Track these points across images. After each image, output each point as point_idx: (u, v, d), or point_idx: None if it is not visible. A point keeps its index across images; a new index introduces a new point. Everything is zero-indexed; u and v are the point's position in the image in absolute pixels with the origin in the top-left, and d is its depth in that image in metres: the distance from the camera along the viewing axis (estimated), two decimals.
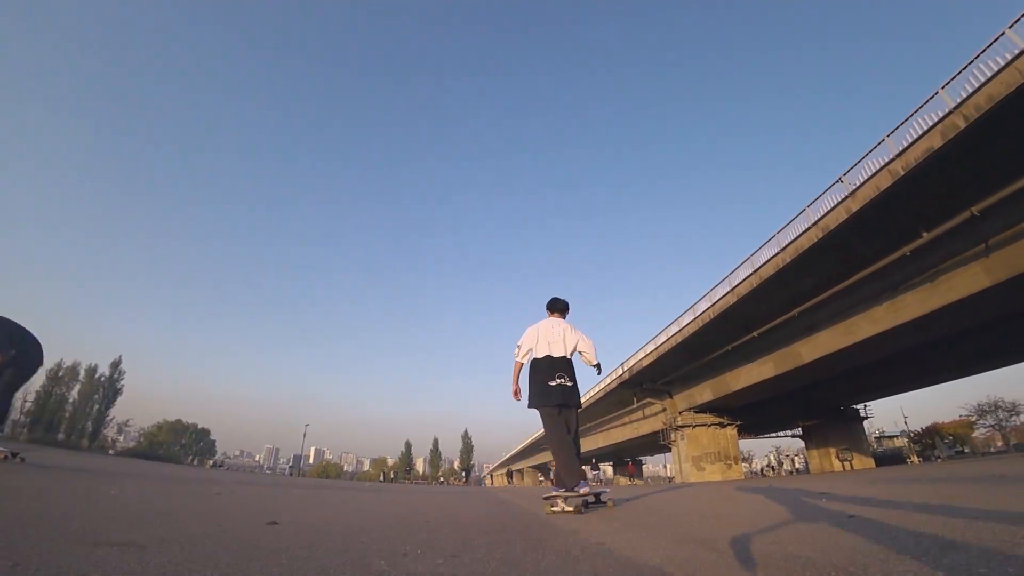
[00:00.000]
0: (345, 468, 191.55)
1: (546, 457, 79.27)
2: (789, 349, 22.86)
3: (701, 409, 33.00)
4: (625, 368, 34.04)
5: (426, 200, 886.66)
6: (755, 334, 23.13)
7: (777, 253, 18.40)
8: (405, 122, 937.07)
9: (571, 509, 4.10)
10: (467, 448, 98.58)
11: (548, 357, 4.65)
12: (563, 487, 4.31)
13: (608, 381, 38.15)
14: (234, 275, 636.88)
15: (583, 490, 4.21)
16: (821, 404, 38.09)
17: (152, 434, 74.17)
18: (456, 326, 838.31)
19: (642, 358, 30.92)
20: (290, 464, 70.70)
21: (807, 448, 40.53)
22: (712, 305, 22.94)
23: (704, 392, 30.62)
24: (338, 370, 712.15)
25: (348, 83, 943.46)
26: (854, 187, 15.01)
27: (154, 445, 72.32)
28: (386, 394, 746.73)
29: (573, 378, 4.66)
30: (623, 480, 75.00)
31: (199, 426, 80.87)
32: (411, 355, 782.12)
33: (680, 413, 34.20)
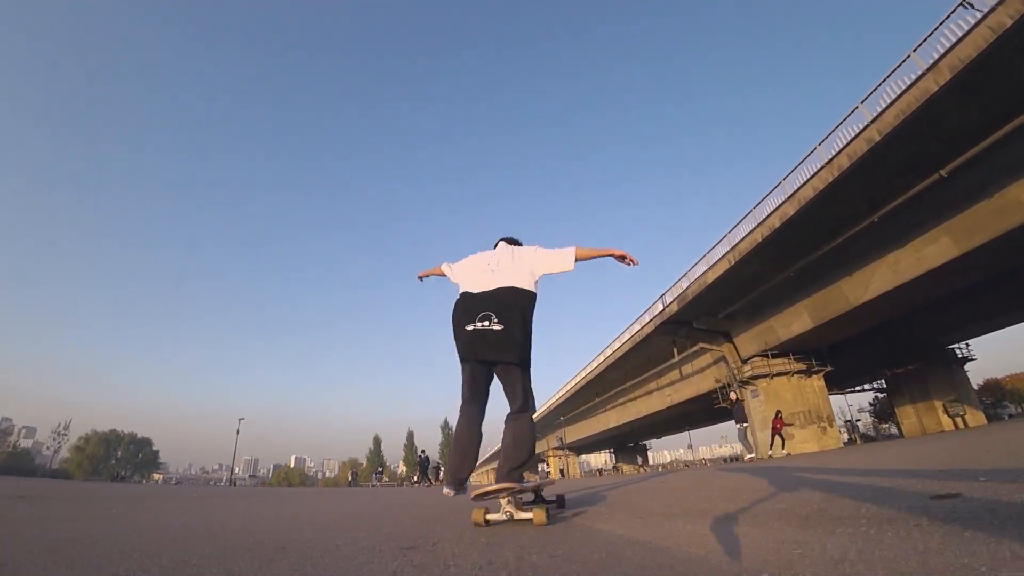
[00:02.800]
0: (327, 474, 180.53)
1: (539, 449, 69.04)
2: (1000, 197, 12.98)
3: (780, 351, 23.26)
4: (670, 300, 24.04)
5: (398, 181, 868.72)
6: (942, 174, 13.25)
7: None
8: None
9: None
10: (448, 441, 79.96)
11: (468, 294, 2.84)
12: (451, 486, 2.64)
13: (639, 327, 28.18)
14: (222, 282, 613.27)
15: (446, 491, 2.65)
16: (915, 343, 28.77)
17: (79, 448, 62.40)
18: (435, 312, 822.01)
19: (705, 272, 20.83)
20: (249, 474, 59.38)
21: (895, 404, 31.05)
22: (878, 118, 12.89)
23: (794, 320, 20.79)
24: (324, 378, 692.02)
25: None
26: None
27: (83, 460, 60.96)
28: (372, 395, 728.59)
29: (511, 320, 2.66)
30: (627, 469, 65.46)
31: (138, 435, 68.88)
32: (398, 348, 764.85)
33: (746, 361, 24.41)
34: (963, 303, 22.21)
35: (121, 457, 66.09)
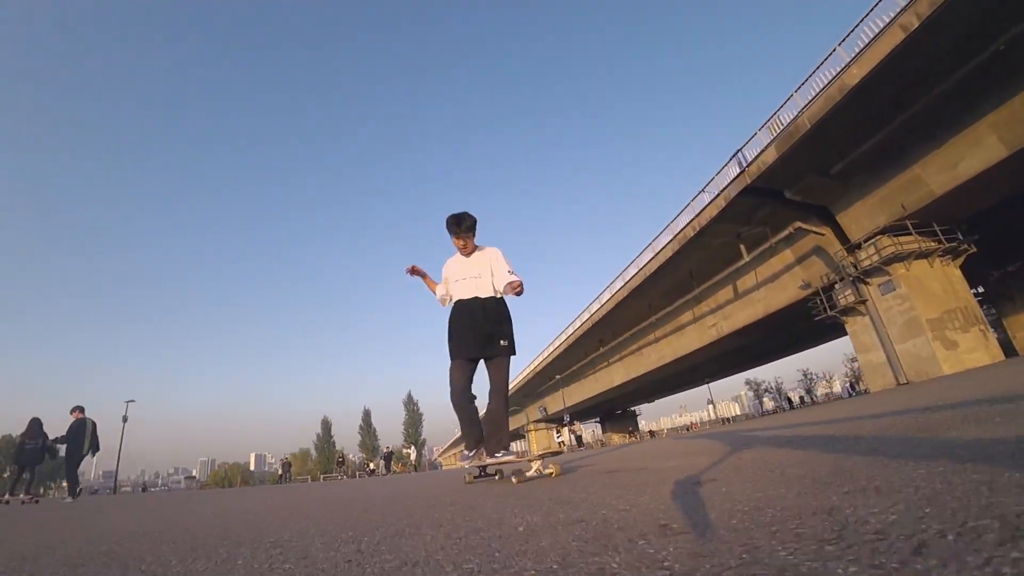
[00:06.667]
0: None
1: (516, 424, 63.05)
2: None
3: (922, 220, 15.66)
4: (757, 150, 15.98)
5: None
6: None
7: None
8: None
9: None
10: (414, 419, 67.10)
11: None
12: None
13: (689, 218, 20.14)
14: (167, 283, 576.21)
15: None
16: None
17: None
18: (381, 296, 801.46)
19: (847, 66, 12.70)
20: (186, 476, 49.28)
21: (1002, 313, 24.23)
22: None
23: (968, 152, 13.07)
24: (280, 371, 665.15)
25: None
26: None
27: None
28: (332, 385, 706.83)
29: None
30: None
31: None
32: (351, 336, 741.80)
33: (858, 247, 16.74)
34: None
35: None
